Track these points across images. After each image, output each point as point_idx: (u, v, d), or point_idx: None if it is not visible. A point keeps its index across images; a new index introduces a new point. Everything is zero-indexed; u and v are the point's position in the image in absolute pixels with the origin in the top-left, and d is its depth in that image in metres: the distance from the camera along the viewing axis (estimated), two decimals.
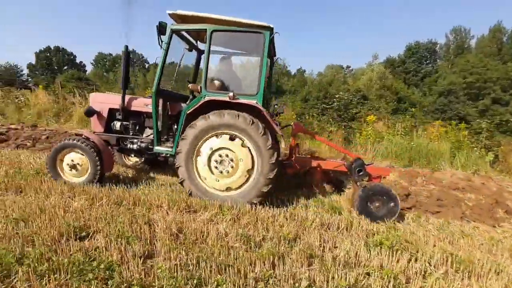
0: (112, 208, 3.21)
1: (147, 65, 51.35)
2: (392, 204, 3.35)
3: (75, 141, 3.86)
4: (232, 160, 3.55)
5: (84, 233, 2.60)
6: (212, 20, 3.65)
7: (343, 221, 3.26)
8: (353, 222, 3.27)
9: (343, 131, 8.87)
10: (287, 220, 3.23)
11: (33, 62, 55.47)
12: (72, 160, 3.89)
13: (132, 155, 4.88)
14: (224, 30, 3.69)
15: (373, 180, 3.89)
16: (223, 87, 3.95)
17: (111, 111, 4.30)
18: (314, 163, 4.11)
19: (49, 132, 7.64)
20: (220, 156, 3.57)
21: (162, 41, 3.81)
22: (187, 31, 4.04)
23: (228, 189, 3.64)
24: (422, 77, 43.94)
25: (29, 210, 2.94)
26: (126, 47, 3.91)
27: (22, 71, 51.14)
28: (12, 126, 8.13)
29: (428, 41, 48.00)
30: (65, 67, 55.36)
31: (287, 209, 3.63)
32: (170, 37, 3.81)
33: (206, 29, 3.63)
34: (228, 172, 3.57)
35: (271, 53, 4.29)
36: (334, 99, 15.53)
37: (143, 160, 5.20)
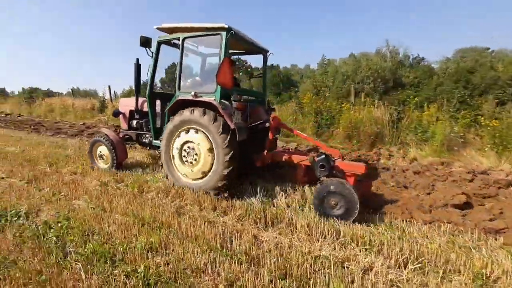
0: None
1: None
2: (349, 204, 3.05)
3: (99, 137, 4.89)
4: (196, 153, 3.85)
5: None
6: (183, 28, 4.05)
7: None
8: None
9: None
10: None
11: None
12: (100, 152, 4.99)
13: (148, 148, 5.30)
14: (192, 36, 4.03)
15: (347, 178, 3.45)
16: (196, 86, 4.26)
17: (131, 112, 5.13)
18: (285, 157, 4.11)
19: None
20: (188, 148, 3.91)
21: (152, 52, 4.40)
22: (169, 40, 4.36)
23: (197, 177, 3.90)
24: None
25: None
26: (137, 59, 4.63)
27: None
28: None
29: None
30: None
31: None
32: (158, 48, 4.39)
33: (179, 37, 4.07)
34: (192, 163, 3.88)
35: (255, 51, 4.72)
36: None
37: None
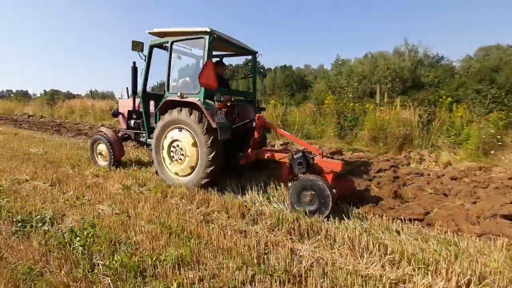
0: None
1: None
2: (322, 200, 3.10)
3: (99, 136, 5.21)
4: (183, 152, 4.03)
5: None
6: (172, 32, 4.26)
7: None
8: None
9: None
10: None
11: None
12: (100, 150, 5.29)
13: (145, 147, 5.52)
14: (180, 40, 4.22)
15: (326, 175, 3.46)
16: (186, 87, 4.44)
17: (129, 112, 5.30)
18: (267, 154, 4.17)
19: None
20: (176, 146, 4.11)
21: (145, 55, 4.64)
22: (161, 44, 4.48)
23: (184, 175, 4.09)
24: None
25: None
26: (134, 63, 4.83)
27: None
28: None
29: None
30: None
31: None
32: (150, 51, 4.61)
33: (168, 41, 4.23)
34: (178, 160, 4.10)
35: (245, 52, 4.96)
36: None
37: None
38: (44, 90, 27.05)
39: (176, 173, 4.16)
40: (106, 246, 2.44)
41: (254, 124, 4.16)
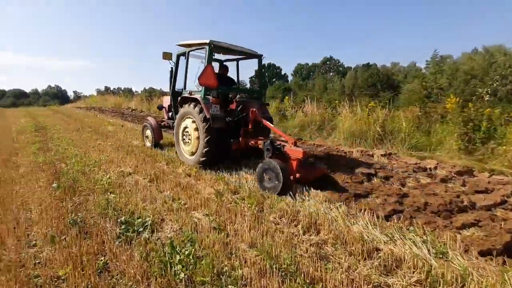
0: None
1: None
2: (276, 178, 3.65)
3: (145, 123, 6.74)
4: (190, 135, 5.00)
5: None
6: (189, 44, 5.31)
7: None
8: None
9: None
10: None
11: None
12: (147, 134, 6.75)
13: None
14: (193, 50, 5.25)
15: (292, 161, 3.94)
16: (193, 87, 5.22)
17: (169, 107, 6.37)
18: (251, 142, 4.98)
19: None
20: (185, 132, 5.11)
21: (173, 63, 5.85)
22: (183, 53, 5.52)
23: (190, 154, 5.07)
24: None
25: None
26: (171, 68, 5.95)
27: (246, 84, 68.91)
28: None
29: None
30: (274, 79, 68.20)
31: None
32: (178, 59, 5.82)
33: (186, 52, 5.37)
34: (188, 143, 5.08)
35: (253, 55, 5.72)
36: None
37: None
38: (144, 88, 31.24)
39: (186, 152, 5.18)
40: (209, 275, 2.02)
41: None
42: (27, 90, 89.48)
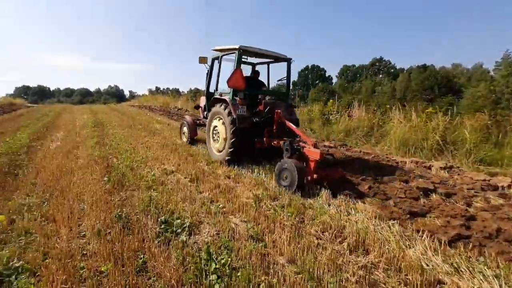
0: None
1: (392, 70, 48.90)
2: (292, 177, 3.86)
3: (183, 121, 7.51)
4: (219, 134, 5.37)
5: None
6: (222, 49, 5.68)
7: None
8: None
9: None
10: None
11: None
12: (184, 130, 7.47)
13: None
14: (225, 54, 5.72)
15: (310, 162, 4.05)
16: (224, 89, 5.68)
17: (204, 106, 6.78)
18: (274, 142, 5.12)
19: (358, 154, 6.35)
20: (215, 130, 5.49)
21: (208, 66, 6.33)
22: (217, 57, 6.04)
23: (218, 151, 5.46)
24: None
25: None
26: (208, 71, 6.41)
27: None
28: (326, 144, 7.64)
29: None
30: (317, 81, 66.44)
31: None
32: (212, 63, 6.29)
33: (219, 56, 5.89)
34: (216, 140, 5.46)
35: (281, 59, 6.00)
36: None
37: None
38: (190, 88, 32.83)
39: (214, 148, 5.56)
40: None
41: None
42: (92, 89, 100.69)
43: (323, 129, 9.18)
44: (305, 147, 4.26)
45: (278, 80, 6.37)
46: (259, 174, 4.76)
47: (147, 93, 47.76)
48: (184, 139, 7.35)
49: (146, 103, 27.80)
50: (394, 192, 3.96)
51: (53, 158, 5.30)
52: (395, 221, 3.08)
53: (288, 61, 5.87)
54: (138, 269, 2.17)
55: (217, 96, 5.58)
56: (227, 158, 5.08)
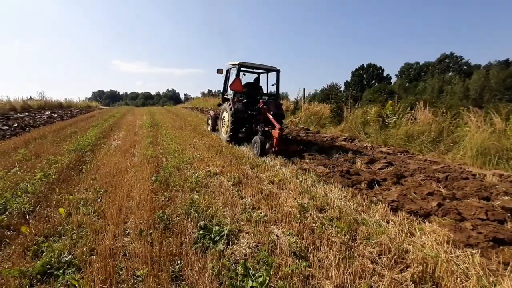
0: None
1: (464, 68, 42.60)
2: (258, 148, 6.18)
3: (208, 115, 10.16)
4: (224, 122, 7.95)
5: None
6: (230, 64, 8.19)
7: None
8: None
9: None
10: None
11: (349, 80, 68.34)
12: (208, 122, 10.02)
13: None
14: (231, 68, 8.29)
15: (274, 139, 6.26)
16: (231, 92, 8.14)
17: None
18: (261, 128, 6.96)
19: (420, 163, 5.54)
20: (222, 120, 8.15)
21: (224, 75, 8.58)
22: (228, 70, 8.50)
23: (224, 133, 8.01)
24: None
25: None
26: (225, 72, 8.56)
27: (340, 88, 64.80)
28: (383, 150, 7.05)
29: None
30: (373, 81, 62.04)
31: None
32: (226, 73, 8.56)
33: (229, 68, 8.46)
34: (223, 126, 8.04)
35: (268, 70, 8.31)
36: None
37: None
38: None
39: (222, 132, 8.02)
40: None
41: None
42: (152, 93, 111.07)
43: (379, 133, 8.33)
44: (272, 130, 6.33)
45: (272, 85, 8.40)
46: (305, 180, 4.43)
47: (199, 95, 50.56)
48: (208, 128, 9.95)
49: (198, 105, 29.32)
50: (472, 212, 3.25)
51: (113, 155, 5.75)
52: (474, 249, 2.48)
53: (277, 71, 8.02)
54: (174, 275, 2.08)
55: (226, 96, 8.35)
56: (227, 139, 7.48)
